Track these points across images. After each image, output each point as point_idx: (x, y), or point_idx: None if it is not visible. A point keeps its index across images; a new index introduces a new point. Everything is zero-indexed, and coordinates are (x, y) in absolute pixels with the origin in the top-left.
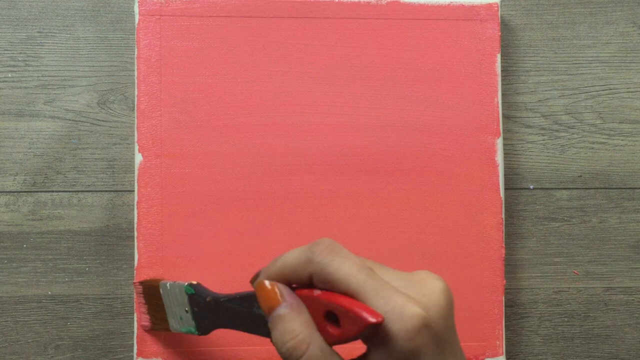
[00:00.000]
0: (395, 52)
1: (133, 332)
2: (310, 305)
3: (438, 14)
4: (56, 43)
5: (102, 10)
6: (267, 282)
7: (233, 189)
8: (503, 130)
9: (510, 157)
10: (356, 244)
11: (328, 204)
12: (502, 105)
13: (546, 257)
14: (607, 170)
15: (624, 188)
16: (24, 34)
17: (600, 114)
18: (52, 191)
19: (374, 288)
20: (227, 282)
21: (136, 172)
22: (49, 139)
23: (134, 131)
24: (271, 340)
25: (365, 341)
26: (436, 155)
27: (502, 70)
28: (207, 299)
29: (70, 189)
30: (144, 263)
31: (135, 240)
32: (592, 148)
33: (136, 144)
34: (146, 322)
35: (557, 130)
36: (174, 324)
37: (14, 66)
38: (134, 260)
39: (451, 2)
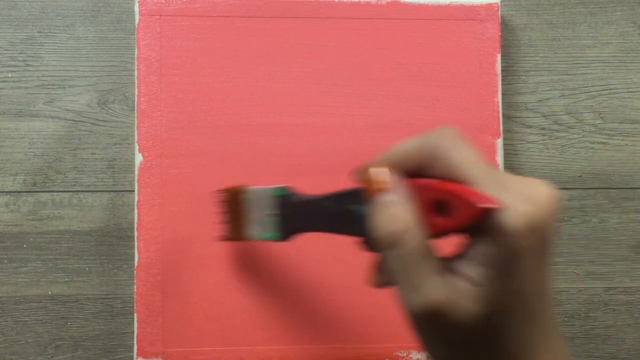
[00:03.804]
0: (395, 52)
1: (133, 332)
2: (418, 194)
3: (438, 14)
4: (56, 43)
5: (102, 10)
6: (378, 168)
7: None
8: (503, 130)
9: (510, 157)
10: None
11: None
12: (502, 105)
13: None
14: (607, 170)
15: (624, 188)
16: (24, 34)
17: (601, 114)
18: (52, 191)
19: (492, 178)
20: (228, 281)
21: (136, 172)
22: (49, 139)
23: (134, 131)
24: (360, 237)
25: (469, 234)
26: None
27: (502, 70)
28: (296, 200)
29: (70, 189)
30: (144, 263)
31: (135, 240)
32: (592, 148)
33: (136, 144)
34: (222, 232)
35: (557, 130)
36: (252, 230)
37: (14, 66)
38: (134, 260)
39: (451, 2)
